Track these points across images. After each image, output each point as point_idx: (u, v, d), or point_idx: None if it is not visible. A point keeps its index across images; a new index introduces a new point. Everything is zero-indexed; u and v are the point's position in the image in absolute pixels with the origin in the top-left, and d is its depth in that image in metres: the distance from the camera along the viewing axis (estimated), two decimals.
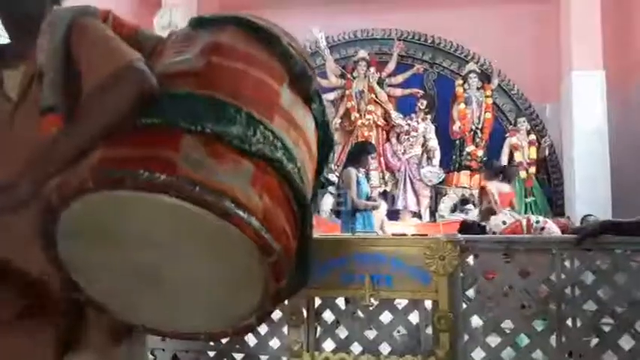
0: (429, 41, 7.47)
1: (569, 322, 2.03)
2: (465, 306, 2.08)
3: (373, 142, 6.93)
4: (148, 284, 1.14)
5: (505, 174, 5.41)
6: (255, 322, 1.25)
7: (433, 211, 7.08)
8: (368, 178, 6.68)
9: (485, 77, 7.22)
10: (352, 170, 4.48)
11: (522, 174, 6.85)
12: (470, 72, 7.17)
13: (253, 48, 1.27)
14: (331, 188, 7.24)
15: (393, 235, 2.24)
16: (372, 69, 7.37)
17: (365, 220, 4.50)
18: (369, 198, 4.67)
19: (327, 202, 7.16)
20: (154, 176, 0.99)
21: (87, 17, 1.25)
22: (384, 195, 7.17)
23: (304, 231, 1.23)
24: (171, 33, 1.37)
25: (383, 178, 7.29)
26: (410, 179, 7.14)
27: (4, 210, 1.08)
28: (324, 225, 6.74)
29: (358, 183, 4.50)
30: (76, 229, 1.08)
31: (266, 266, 1.08)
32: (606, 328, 2.02)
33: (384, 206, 5.14)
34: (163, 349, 2.30)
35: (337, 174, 7.27)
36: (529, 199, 6.79)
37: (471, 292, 2.15)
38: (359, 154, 4.64)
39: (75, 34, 1.20)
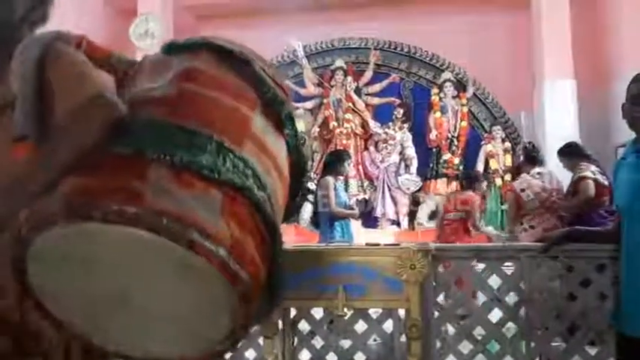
0: (405, 50, 7.57)
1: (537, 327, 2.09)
2: (436, 314, 2.13)
3: (351, 150, 6.98)
4: (119, 310, 1.14)
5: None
6: (227, 348, 1.24)
7: (411, 219, 7.14)
8: (347, 186, 6.73)
9: (460, 86, 7.34)
10: (330, 179, 4.50)
11: (498, 181, 6.97)
12: (445, 81, 7.28)
13: (226, 74, 1.27)
14: (310, 197, 7.29)
15: (367, 244, 2.27)
16: (350, 78, 7.43)
17: (344, 229, 4.51)
18: (347, 207, 4.69)
19: (307, 210, 7.18)
20: (122, 209, 1.00)
21: (60, 43, 1.24)
22: (363, 203, 7.21)
23: (274, 259, 1.22)
24: (144, 57, 1.35)
25: (362, 186, 7.34)
26: (388, 187, 7.20)
27: None
28: (304, 234, 6.76)
29: (336, 191, 4.52)
30: (45, 256, 1.08)
31: (234, 295, 1.08)
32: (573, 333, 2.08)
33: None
34: None
35: (315, 183, 7.32)
36: (504, 206, 6.89)
37: (442, 300, 2.19)
38: (335, 163, 4.67)
39: (48, 61, 1.20)
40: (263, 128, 1.28)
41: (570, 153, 4.19)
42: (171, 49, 1.31)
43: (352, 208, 5.05)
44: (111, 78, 1.20)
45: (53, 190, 1.07)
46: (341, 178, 5.01)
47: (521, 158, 4.64)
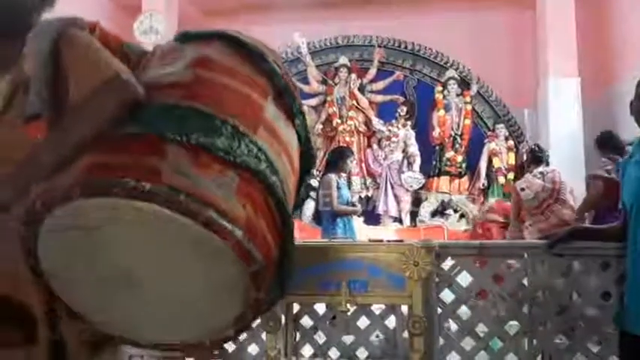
0: (409, 48, 7.55)
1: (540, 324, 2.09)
2: (440, 310, 2.13)
3: (355, 147, 6.97)
4: (128, 293, 1.15)
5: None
6: (233, 334, 1.26)
7: (414, 216, 7.14)
8: (349, 183, 6.73)
9: (464, 84, 7.32)
10: (332, 176, 4.50)
11: (501, 179, 6.96)
12: (449, 79, 7.27)
13: (238, 63, 1.30)
14: (313, 193, 7.29)
15: (370, 241, 2.28)
16: (353, 75, 7.42)
17: (346, 226, 4.52)
18: (349, 203, 4.70)
19: (310, 207, 7.19)
20: (140, 184, 1.01)
21: (75, 28, 1.26)
22: (366, 200, 7.21)
23: (285, 243, 1.25)
24: (156, 46, 1.37)
25: (364, 183, 7.34)
26: (391, 184, 7.20)
27: None
28: (307, 230, 6.76)
29: (338, 188, 4.52)
30: (57, 236, 1.09)
31: (247, 276, 1.10)
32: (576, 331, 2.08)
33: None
34: (142, 356, 2.31)
35: (318, 179, 7.32)
36: (507, 204, 6.88)
37: (445, 297, 2.19)
38: (337, 160, 4.67)
39: (63, 45, 1.21)
40: (275, 117, 1.30)
41: (599, 143, 4.15)
42: (184, 38, 1.34)
43: (354, 205, 5.06)
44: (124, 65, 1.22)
45: (68, 168, 1.08)
46: (343, 175, 5.00)
47: (525, 158, 4.63)
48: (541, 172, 4.20)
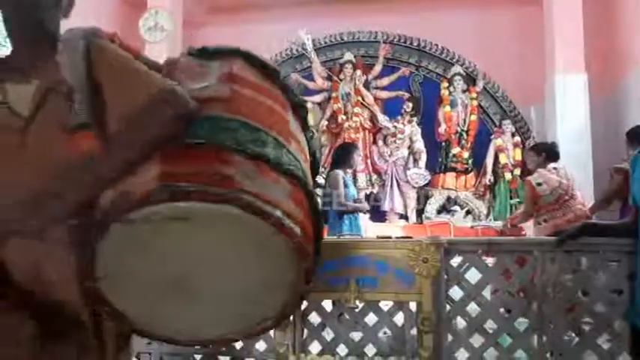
0: (415, 44, 7.52)
1: (549, 321, 2.07)
2: (448, 307, 2.12)
3: (360, 144, 6.95)
4: (179, 293, 1.22)
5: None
6: (271, 325, 1.35)
7: (419, 213, 7.12)
8: (355, 180, 6.71)
9: (470, 80, 7.29)
10: (339, 172, 4.48)
11: (507, 175, 6.93)
12: (455, 75, 7.23)
13: (260, 79, 1.38)
14: (318, 190, 7.29)
15: (378, 237, 2.27)
16: (359, 71, 7.39)
17: (352, 223, 4.50)
18: (356, 200, 4.68)
19: None
20: (218, 190, 1.10)
21: (101, 39, 1.28)
22: (370, 197, 7.19)
23: (318, 242, 1.36)
24: (170, 61, 1.38)
25: (370, 180, 7.32)
26: (396, 181, 7.18)
27: (34, 226, 1.11)
28: None
29: (345, 185, 4.50)
30: (122, 237, 1.13)
31: (301, 270, 1.21)
32: (586, 328, 2.06)
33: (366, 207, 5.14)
34: (149, 353, 2.31)
35: (324, 176, 7.31)
36: (514, 201, 6.86)
37: (454, 293, 2.18)
38: (344, 156, 4.65)
39: (96, 56, 1.23)
40: (296, 129, 1.41)
41: (630, 136, 4.13)
42: (202, 54, 1.38)
43: (360, 202, 5.04)
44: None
45: (137, 176, 1.13)
46: (349, 171, 4.98)
47: (534, 154, 4.55)
48: (555, 168, 4.16)
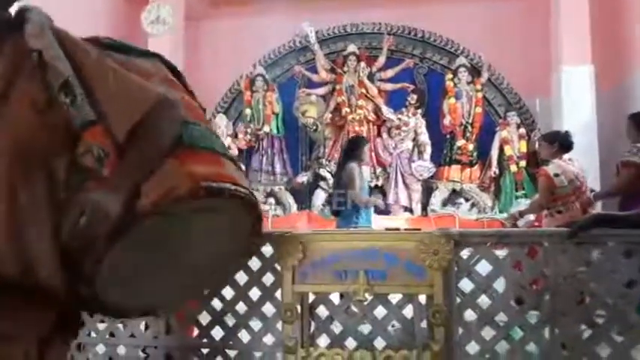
0: (419, 35, 7.46)
1: (562, 314, 2.04)
2: (458, 300, 2.09)
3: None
4: (165, 272, 1.40)
5: None
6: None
7: (424, 205, 7.08)
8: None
9: (475, 71, 7.22)
10: (354, 165, 4.43)
11: (513, 167, 6.88)
12: (460, 66, 7.17)
13: (176, 79, 1.52)
14: (323, 183, 7.25)
15: (387, 229, 2.24)
16: (362, 63, 7.33)
17: (367, 216, 4.47)
18: (370, 194, 4.66)
19: (319, 197, 7.15)
20: (233, 188, 1.37)
21: (64, 31, 1.27)
22: (380, 191, 7.15)
23: None
24: (78, 45, 1.31)
25: (374, 172, 7.27)
26: (401, 174, 7.14)
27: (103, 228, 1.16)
28: (318, 221, 6.73)
29: (360, 179, 4.46)
30: (149, 231, 1.24)
31: (256, 219, 1.55)
32: (599, 320, 2.03)
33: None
34: (156, 347, 2.29)
35: (328, 169, 7.28)
36: (519, 193, 6.82)
37: (464, 286, 2.15)
38: (355, 149, 4.60)
39: (69, 45, 1.24)
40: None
41: (637, 120, 3.97)
42: (122, 49, 1.40)
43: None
44: None
45: (166, 174, 1.25)
46: (362, 164, 4.92)
47: (542, 143, 4.46)
48: (570, 159, 4.09)
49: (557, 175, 3.91)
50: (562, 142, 4.14)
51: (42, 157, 1.15)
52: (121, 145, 1.20)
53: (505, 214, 6.51)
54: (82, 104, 1.19)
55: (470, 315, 2.14)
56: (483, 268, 2.13)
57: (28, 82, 1.17)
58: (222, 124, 7.35)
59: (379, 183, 7.21)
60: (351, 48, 7.39)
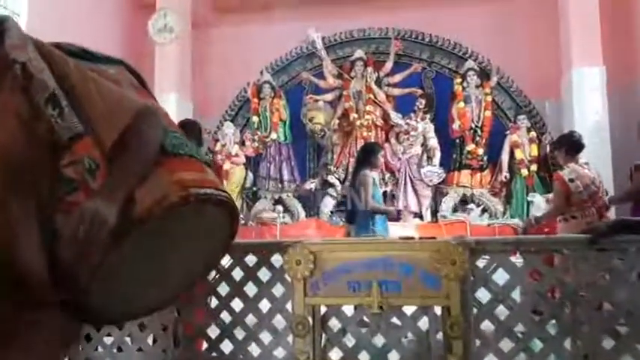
0: (427, 40, 7.40)
1: (583, 324, 1.97)
2: (475, 310, 2.02)
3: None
4: (150, 276, 1.39)
5: None
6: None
7: (434, 211, 7.00)
8: None
9: (484, 75, 7.13)
10: (367, 172, 4.35)
11: (524, 171, 6.78)
12: (468, 70, 7.10)
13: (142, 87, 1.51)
14: (331, 190, 7.19)
15: (400, 238, 2.17)
16: (370, 69, 7.28)
17: (382, 224, 4.38)
18: (385, 201, 4.57)
19: (328, 204, 7.09)
20: (220, 193, 1.39)
21: (45, 45, 1.27)
22: (391, 197, 7.07)
23: None
24: (58, 56, 1.30)
25: (383, 178, 7.19)
26: (410, 179, 7.06)
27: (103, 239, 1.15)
28: (325, 228, 6.67)
29: (374, 186, 4.39)
30: (141, 238, 1.24)
31: (234, 221, 1.52)
32: (623, 331, 1.95)
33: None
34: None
35: (336, 176, 7.22)
36: (530, 197, 6.71)
37: (480, 295, 2.08)
38: (368, 156, 4.53)
39: (48, 56, 1.23)
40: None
41: None
42: (84, 55, 1.38)
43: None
44: None
45: (156, 182, 1.26)
46: (375, 170, 4.84)
47: (554, 149, 4.40)
48: (586, 163, 4.00)
49: (572, 180, 3.83)
50: (568, 144, 4.07)
51: (28, 168, 1.14)
52: (109, 155, 1.21)
53: (517, 220, 6.42)
54: (69, 116, 1.18)
55: (487, 326, 2.06)
56: (500, 276, 2.06)
57: (10, 94, 1.15)
58: (229, 131, 7.33)
59: (388, 188, 7.13)
60: (358, 53, 7.35)
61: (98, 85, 1.26)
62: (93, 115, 1.22)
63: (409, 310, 2.10)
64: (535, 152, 6.80)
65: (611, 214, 4.34)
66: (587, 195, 3.83)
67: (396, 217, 6.60)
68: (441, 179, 7.01)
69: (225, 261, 2.20)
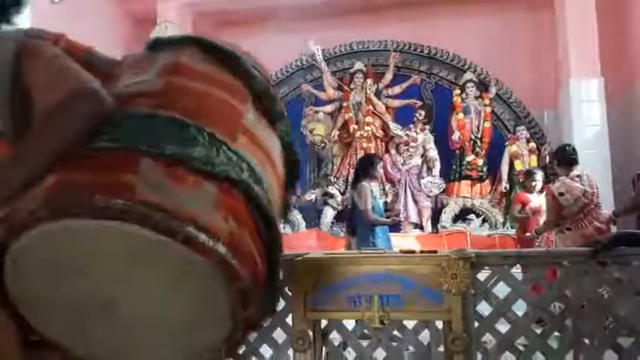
0: (426, 52, 7.44)
1: (585, 338, 1.96)
2: (477, 324, 2.01)
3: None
4: (104, 319, 1.08)
5: None
6: (223, 355, 1.17)
7: (435, 222, 7.00)
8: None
9: (482, 86, 7.18)
10: (366, 184, 4.35)
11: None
12: (467, 81, 7.14)
13: (214, 68, 1.24)
14: (332, 201, 7.20)
15: (401, 252, 2.17)
16: (369, 80, 7.33)
17: (384, 236, 4.35)
18: (384, 213, 4.55)
19: (328, 215, 7.09)
20: (110, 202, 0.94)
21: (35, 40, 1.19)
22: (394, 209, 7.05)
23: (272, 254, 1.17)
24: (126, 55, 1.29)
25: (383, 189, 7.20)
26: (410, 190, 7.07)
27: None
28: (326, 239, 6.66)
29: (373, 197, 4.38)
30: (27, 259, 1.01)
31: (233, 293, 1.02)
32: (625, 344, 1.95)
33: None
34: None
35: (337, 187, 7.23)
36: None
37: (481, 309, 2.08)
38: (367, 167, 4.53)
39: (26, 58, 1.13)
40: (255, 122, 1.23)
41: None
42: (155, 45, 1.27)
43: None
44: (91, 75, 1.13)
45: (34, 188, 0.99)
46: (375, 182, 4.83)
47: (549, 159, 4.44)
48: (578, 176, 4.02)
49: (561, 194, 3.87)
50: (558, 158, 4.11)
51: None
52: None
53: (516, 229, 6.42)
54: None
55: (488, 339, 2.06)
56: (501, 290, 2.05)
57: None
58: None
59: (388, 199, 7.13)
60: (358, 65, 7.39)
61: (56, 73, 1.12)
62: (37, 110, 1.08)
63: (410, 323, 2.09)
64: (534, 163, 6.80)
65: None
66: (578, 208, 3.85)
67: (397, 227, 6.60)
68: (441, 190, 7.03)
69: None
